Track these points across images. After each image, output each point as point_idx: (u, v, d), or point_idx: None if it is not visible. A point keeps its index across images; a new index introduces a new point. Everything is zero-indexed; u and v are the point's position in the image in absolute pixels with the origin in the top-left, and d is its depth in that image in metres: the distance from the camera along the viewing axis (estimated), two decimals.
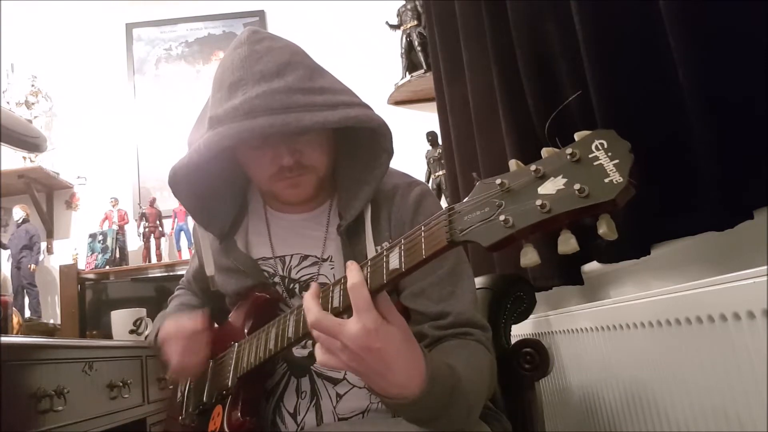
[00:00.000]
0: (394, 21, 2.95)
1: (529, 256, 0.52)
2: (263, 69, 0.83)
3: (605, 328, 1.16)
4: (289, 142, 0.87)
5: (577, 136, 0.50)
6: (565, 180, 0.48)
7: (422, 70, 2.83)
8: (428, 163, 2.81)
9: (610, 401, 1.17)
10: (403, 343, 0.64)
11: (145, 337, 2.27)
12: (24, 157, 2.83)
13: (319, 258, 0.96)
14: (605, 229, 0.47)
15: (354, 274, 0.64)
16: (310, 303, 0.67)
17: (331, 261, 0.95)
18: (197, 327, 0.96)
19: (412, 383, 0.64)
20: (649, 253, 1.08)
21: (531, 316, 1.34)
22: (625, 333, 1.07)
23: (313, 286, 0.70)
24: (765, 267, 0.71)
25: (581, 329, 1.28)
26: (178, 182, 0.93)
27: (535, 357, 1.12)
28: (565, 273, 1.38)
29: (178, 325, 0.97)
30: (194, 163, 0.88)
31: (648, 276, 1.21)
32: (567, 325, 1.36)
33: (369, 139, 0.91)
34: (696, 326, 0.85)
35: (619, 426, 1.15)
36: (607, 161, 0.47)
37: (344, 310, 0.70)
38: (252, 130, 0.80)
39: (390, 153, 0.91)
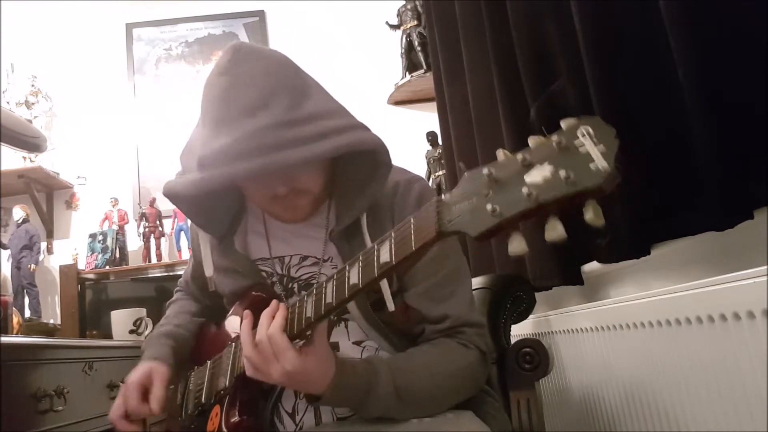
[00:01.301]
0: (394, 21, 2.95)
1: (516, 244, 0.52)
2: (246, 104, 0.80)
3: (605, 328, 1.16)
4: (281, 174, 0.86)
5: (563, 123, 0.49)
6: (551, 167, 0.48)
7: (422, 70, 2.82)
8: (428, 163, 2.81)
9: (610, 401, 1.17)
10: (316, 368, 0.78)
11: (145, 338, 2.27)
12: (24, 157, 2.83)
13: (319, 259, 0.96)
14: (591, 215, 0.47)
15: (275, 323, 0.77)
16: (266, 321, 0.79)
17: (332, 261, 0.95)
18: (151, 405, 0.95)
19: (320, 389, 0.80)
20: (649, 253, 1.08)
21: (531, 316, 1.34)
22: (625, 333, 1.07)
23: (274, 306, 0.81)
24: (765, 267, 0.71)
25: (581, 329, 1.28)
26: (178, 195, 0.93)
27: (535, 357, 1.12)
28: (565, 273, 1.38)
29: (134, 388, 0.96)
30: (186, 194, 0.88)
31: (648, 276, 1.21)
32: (567, 325, 1.36)
33: (367, 153, 0.89)
34: (696, 326, 0.85)
35: (619, 426, 1.15)
36: (593, 147, 0.47)
37: (337, 306, 0.72)
38: (244, 172, 0.79)
39: (388, 166, 0.90)
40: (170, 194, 0.92)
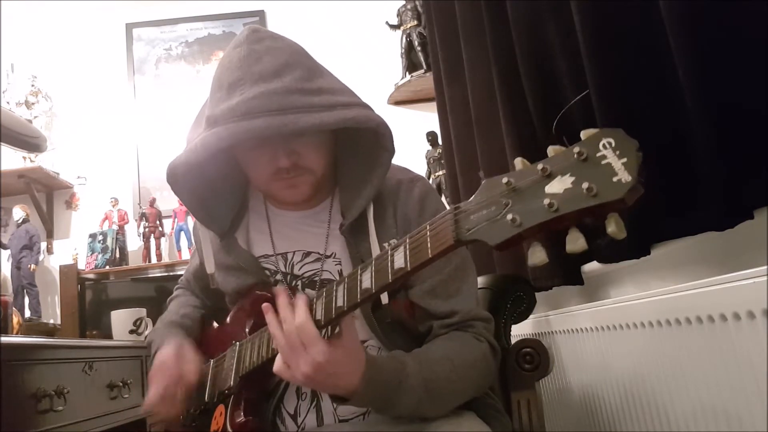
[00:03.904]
0: (394, 21, 2.95)
1: (537, 255, 0.51)
2: (261, 69, 0.83)
3: (605, 328, 1.16)
4: (286, 144, 0.87)
5: (583, 134, 0.49)
6: (573, 179, 0.48)
7: (422, 70, 2.82)
8: (428, 163, 2.81)
9: (610, 401, 1.17)
10: (347, 360, 0.74)
11: (145, 338, 2.27)
12: (24, 157, 2.83)
13: (322, 255, 0.96)
14: (614, 228, 0.47)
15: (299, 313, 0.73)
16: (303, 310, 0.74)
17: (335, 257, 0.96)
18: (187, 376, 0.93)
19: (350, 387, 0.75)
20: (649, 253, 1.08)
21: (531, 316, 1.34)
22: (625, 333, 1.07)
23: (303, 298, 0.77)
24: (765, 267, 0.71)
25: (581, 329, 1.28)
26: (177, 180, 0.93)
27: (535, 357, 1.12)
28: (565, 273, 1.38)
29: (170, 365, 0.94)
30: (191, 162, 0.88)
31: (648, 276, 1.21)
32: (567, 325, 1.36)
33: (370, 138, 0.91)
34: (696, 326, 0.85)
35: (619, 426, 1.15)
36: (615, 160, 0.46)
37: (348, 309, 0.71)
38: (248, 131, 0.80)
39: (391, 152, 0.91)
40: (173, 170, 0.90)
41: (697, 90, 0.89)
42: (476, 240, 0.55)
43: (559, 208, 0.48)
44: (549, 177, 0.50)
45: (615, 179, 0.46)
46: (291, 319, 0.74)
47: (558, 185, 0.49)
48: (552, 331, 1.46)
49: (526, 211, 0.50)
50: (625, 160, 0.46)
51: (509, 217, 0.51)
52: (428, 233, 0.61)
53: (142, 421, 1.72)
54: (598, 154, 0.47)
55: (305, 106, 0.82)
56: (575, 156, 0.48)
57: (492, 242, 0.53)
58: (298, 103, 0.81)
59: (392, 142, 0.90)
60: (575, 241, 0.49)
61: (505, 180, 0.52)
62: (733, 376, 0.79)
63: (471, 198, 0.56)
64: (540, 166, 0.50)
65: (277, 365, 0.76)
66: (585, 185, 0.47)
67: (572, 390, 1.38)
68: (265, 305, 0.78)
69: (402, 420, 0.84)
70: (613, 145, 0.47)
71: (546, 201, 0.48)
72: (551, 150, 0.51)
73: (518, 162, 0.53)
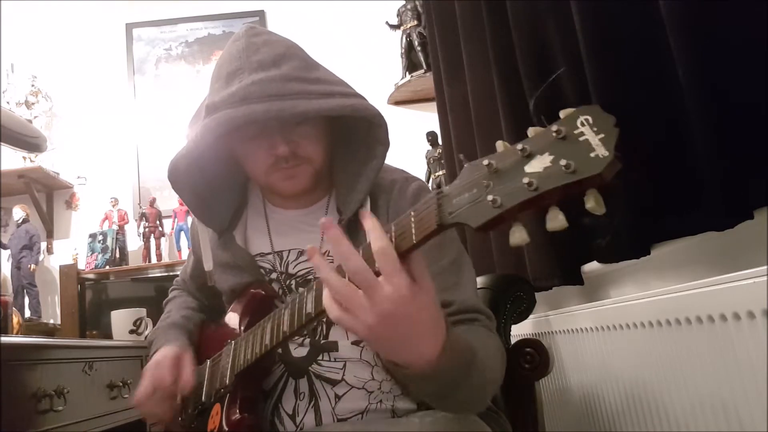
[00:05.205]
0: (394, 21, 2.95)
1: (518, 235, 0.52)
2: (260, 59, 0.85)
3: (605, 328, 1.16)
4: (284, 132, 0.88)
5: (562, 113, 0.50)
6: (551, 157, 0.48)
7: (422, 70, 2.82)
8: (428, 163, 2.81)
9: (610, 401, 1.17)
10: (430, 309, 0.61)
11: (145, 338, 2.27)
12: (24, 157, 2.83)
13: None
14: (593, 203, 0.47)
15: (378, 236, 0.59)
16: (381, 235, 0.59)
17: (329, 256, 0.95)
18: (182, 382, 0.92)
19: (430, 353, 0.62)
20: (649, 253, 1.08)
21: (531, 316, 1.34)
22: (625, 333, 1.07)
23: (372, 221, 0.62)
24: (765, 267, 0.71)
25: (581, 329, 1.28)
26: (179, 176, 0.94)
27: (535, 357, 1.12)
28: (565, 273, 1.38)
29: (165, 366, 0.93)
30: (193, 152, 0.89)
31: (648, 276, 1.21)
32: (567, 325, 1.36)
33: (364, 131, 0.92)
34: (696, 326, 0.85)
35: (619, 426, 1.15)
36: (593, 136, 0.47)
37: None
38: (248, 115, 0.81)
39: (386, 145, 0.91)
40: (175, 166, 0.91)
41: (697, 90, 0.89)
42: (459, 223, 0.55)
43: (538, 187, 0.48)
44: (528, 157, 0.50)
45: (592, 155, 0.46)
46: (349, 253, 0.60)
47: (537, 164, 0.49)
48: (552, 331, 1.46)
49: (507, 192, 0.50)
50: (602, 135, 0.46)
51: (490, 198, 0.51)
52: (412, 219, 0.61)
53: (142, 421, 1.71)
54: (576, 131, 0.48)
55: (304, 93, 0.83)
56: (554, 135, 0.49)
57: (474, 224, 0.53)
58: (296, 89, 0.83)
59: (387, 134, 0.91)
60: (555, 218, 0.49)
61: (486, 162, 0.53)
62: (733, 376, 0.79)
63: (454, 182, 0.56)
64: (519, 146, 0.51)
65: (335, 312, 0.61)
66: (563, 162, 0.47)
67: (572, 390, 1.37)
68: (310, 248, 0.64)
69: (401, 419, 0.83)
70: (591, 121, 0.48)
71: (525, 180, 0.49)
72: (531, 131, 0.51)
73: (499, 144, 0.54)
